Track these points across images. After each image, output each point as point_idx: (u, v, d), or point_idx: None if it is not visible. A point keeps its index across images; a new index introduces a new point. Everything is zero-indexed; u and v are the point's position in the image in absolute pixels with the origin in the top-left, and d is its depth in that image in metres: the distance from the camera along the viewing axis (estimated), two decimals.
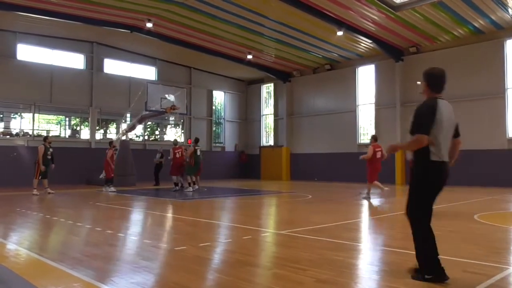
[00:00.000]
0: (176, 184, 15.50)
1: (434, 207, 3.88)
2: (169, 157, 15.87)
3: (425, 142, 3.58)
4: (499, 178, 16.88)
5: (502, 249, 5.31)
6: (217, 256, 4.96)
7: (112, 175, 15.72)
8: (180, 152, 15.59)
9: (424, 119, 3.67)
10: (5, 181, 17.47)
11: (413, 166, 3.80)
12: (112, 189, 15.11)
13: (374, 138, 11.72)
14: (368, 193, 11.63)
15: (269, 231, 6.72)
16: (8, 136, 19.17)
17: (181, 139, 25.30)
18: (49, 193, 13.44)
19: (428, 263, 3.62)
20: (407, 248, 5.08)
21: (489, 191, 14.75)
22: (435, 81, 3.91)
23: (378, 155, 11.41)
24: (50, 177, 14.07)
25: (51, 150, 13.87)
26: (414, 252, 3.77)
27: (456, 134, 3.97)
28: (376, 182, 11.48)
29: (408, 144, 3.74)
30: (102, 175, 15.92)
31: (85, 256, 4.67)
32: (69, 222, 7.51)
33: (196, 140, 15.63)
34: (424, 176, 3.70)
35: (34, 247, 5.29)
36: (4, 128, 19.80)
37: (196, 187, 15.06)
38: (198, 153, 15.09)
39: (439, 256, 3.65)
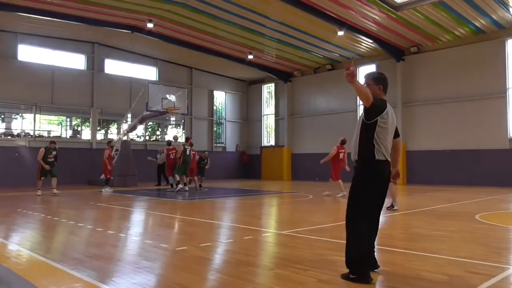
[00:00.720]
0: (171, 185, 15.62)
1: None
2: (158, 157, 16.09)
3: (370, 100, 3.69)
4: (501, 178, 16.86)
5: (503, 249, 5.31)
6: (218, 256, 4.96)
7: (109, 176, 15.45)
8: (173, 153, 15.75)
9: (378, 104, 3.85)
10: (7, 182, 17.52)
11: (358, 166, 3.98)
12: (107, 189, 14.96)
13: (342, 142, 12.94)
14: (342, 190, 12.46)
15: (270, 231, 6.72)
16: (9, 137, 19.20)
17: (182, 139, 25.32)
18: (54, 194, 13.25)
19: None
20: (408, 248, 5.08)
21: (490, 191, 14.73)
22: (386, 85, 4.08)
23: (341, 156, 12.64)
24: (50, 179, 13.99)
25: (54, 152, 13.58)
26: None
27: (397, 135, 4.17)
28: (339, 181, 12.55)
29: (360, 86, 3.65)
30: (103, 176, 15.94)
31: (86, 256, 4.68)
32: (70, 223, 7.51)
33: (186, 139, 15.62)
34: (368, 175, 3.88)
35: (35, 248, 5.29)
36: (5, 128, 19.85)
37: (186, 188, 14.76)
38: (187, 152, 14.82)
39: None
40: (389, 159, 3.90)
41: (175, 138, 16.66)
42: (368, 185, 3.86)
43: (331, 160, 12.69)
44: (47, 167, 13.22)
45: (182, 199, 12.43)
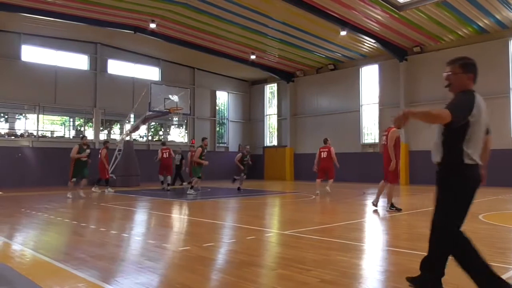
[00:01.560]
0: (162, 183, 15.69)
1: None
2: (156, 158, 16.11)
3: (446, 116, 3.02)
4: (504, 178, 16.78)
5: (507, 249, 5.29)
6: (221, 256, 4.96)
7: (107, 176, 15.31)
8: (167, 153, 15.89)
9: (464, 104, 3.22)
10: (10, 182, 17.58)
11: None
12: (110, 189, 14.90)
13: (324, 141, 13.89)
14: (330, 188, 13.40)
15: (273, 232, 6.72)
16: (13, 137, 19.26)
17: (184, 139, 25.36)
18: (80, 196, 12.41)
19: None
20: (412, 248, 5.07)
21: (494, 191, 14.67)
22: (477, 72, 3.52)
23: (323, 155, 13.49)
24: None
25: (88, 151, 12.60)
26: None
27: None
28: (318, 181, 13.54)
29: (422, 113, 3.09)
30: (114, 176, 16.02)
31: (89, 256, 4.69)
32: (73, 223, 7.53)
33: (202, 140, 15.09)
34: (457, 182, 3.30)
35: (39, 248, 5.31)
36: (9, 129, 19.92)
37: (199, 189, 14.50)
38: (204, 153, 14.57)
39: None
40: (480, 162, 3.31)
41: (164, 143, 16.97)
42: (458, 193, 3.29)
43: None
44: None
45: (185, 199, 12.44)
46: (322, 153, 13.54)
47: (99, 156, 15.12)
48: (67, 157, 12.82)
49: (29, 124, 20.05)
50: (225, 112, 27.47)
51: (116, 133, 23.61)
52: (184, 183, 16.92)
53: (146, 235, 6.51)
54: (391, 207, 8.89)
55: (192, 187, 13.78)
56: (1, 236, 6.14)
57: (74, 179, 12.45)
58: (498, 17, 16.06)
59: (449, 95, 3.73)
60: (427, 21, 16.68)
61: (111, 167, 18.97)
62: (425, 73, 19.55)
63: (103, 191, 14.99)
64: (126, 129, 20.43)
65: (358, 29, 17.66)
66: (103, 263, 4.42)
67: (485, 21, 16.46)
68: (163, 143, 16.79)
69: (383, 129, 12.30)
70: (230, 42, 20.53)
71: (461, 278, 3.76)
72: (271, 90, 27.51)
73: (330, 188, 13.53)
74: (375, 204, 9.28)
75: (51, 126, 21.49)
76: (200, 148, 13.88)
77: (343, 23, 17.06)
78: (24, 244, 5.59)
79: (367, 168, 21.02)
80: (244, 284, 3.63)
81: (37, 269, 4.26)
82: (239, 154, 16.00)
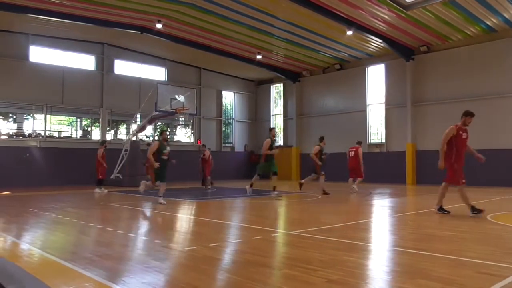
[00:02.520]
0: (153, 183, 15.68)
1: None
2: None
3: None
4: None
5: None
6: (228, 256, 4.96)
7: (101, 176, 14.81)
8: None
9: None
10: (18, 182, 17.72)
11: None
12: (97, 190, 14.40)
13: (357, 142, 14.70)
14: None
15: (279, 231, 6.71)
16: (21, 137, 19.42)
17: (190, 139, 25.42)
18: (160, 203, 10.31)
19: None
20: (419, 249, 5.04)
21: (502, 191, 14.55)
22: None
23: (351, 154, 14.32)
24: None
25: (168, 148, 10.55)
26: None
27: None
28: (350, 180, 14.28)
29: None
30: (114, 176, 16.02)
31: (96, 256, 4.71)
32: (80, 222, 7.57)
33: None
34: None
35: (46, 247, 5.34)
36: (17, 129, 20.09)
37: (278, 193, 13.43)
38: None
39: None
40: None
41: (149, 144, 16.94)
42: None
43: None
44: (156, 165, 10.13)
45: (191, 199, 12.45)
46: (350, 152, 14.40)
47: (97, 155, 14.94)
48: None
49: (37, 124, 20.20)
50: (231, 112, 27.49)
51: (122, 133, 23.71)
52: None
53: (152, 235, 6.53)
54: (473, 210, 7.81)
55: (275, 190, 12.67)
56: (10, 235, 6.19)
57: (158, 182, 10.60)
58: (506, 15, 15.92)
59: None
60: (434, 20, 16.58)
61: (118, 167, 19.08)
62: (432, 72, 19.42)
63: (111, 191, 15.02)
64: (133, 129, 20.52)
65: (364, 28, 17.59)
66: (110, 262, 4.44)
67: (493, 20, 16.32)
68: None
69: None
70: (236, 42, 20.54)
71: (466, 277, 3.74)
72: (277, 90, 27.49)
73: (356, 187, 13.86)
74: (442, 209, 8.12)
75: (59, 126, 21.64)
76: (268, 140, 12.49)
77: (350, 23, 17.00)
78: (32, 243, 5.63)
79: (374, 168, 20.93)
80: (250, 284, 3.62)
81: (45, 268, 4.28)
82: (317, 147, 13.69)
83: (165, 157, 10.46)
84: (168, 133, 13.70)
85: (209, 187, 16.45)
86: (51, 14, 17.06)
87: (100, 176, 14.94)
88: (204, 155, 16.72)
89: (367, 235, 6.44)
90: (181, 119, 24.74)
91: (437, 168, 8.16)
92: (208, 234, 6.50)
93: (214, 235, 6.33)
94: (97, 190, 14.57)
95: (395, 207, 10.41)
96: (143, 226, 7.58)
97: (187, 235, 6.64)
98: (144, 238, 6.09)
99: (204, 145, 18.04)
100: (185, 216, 8.93)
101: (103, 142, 15.94)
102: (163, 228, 7.30)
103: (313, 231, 6.33)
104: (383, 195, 13.54)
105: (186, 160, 23.80)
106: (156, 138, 24.12)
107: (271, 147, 12.40)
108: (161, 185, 10.57)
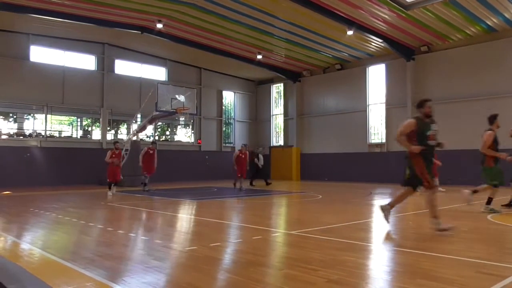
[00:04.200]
0: (144, 184, 15.71)
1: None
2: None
3: None
4: None
5: None
6: (228, 256, 4.96)
7: (109, 179, 13.81)
8: (154, 151, 15.84)
9: None
10: (19, 181, 17.73)
11: None
12: (110, 193, 13.48)
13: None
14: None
15: (279, 231, 6.71)
16: (21, 137, 19.43)
17: (191, 139, 25.42)
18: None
19: None
20: (419, 249, 5.04)
21: (503, 191, 14.51)
22: None
23: None
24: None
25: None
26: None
27: None
28: None
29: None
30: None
31: (97, 256, 4.71)
32: (81, 222, 7.58)
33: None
34: None
35: (47, 247, 5.35)
36: (17, 129, 20.11)
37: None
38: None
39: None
40: None
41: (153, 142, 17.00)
42: None
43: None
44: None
45: (191, 199, 12.46)
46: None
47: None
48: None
49: (37, 124, 20.21)
50: (232, 112, 27.49)
51: (123, 133, 23.71)
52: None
53: (153, 234, 6.53)
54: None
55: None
56: (10, 235, 6.20)
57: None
58: (506, 15, 15.91)
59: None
60: (435, 20, 16.57)
61: None
62: (433, 72, 19.42)
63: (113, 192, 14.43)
64: (133, 129, 20.52)
65: (365, 28, 17.59)
66: (111, 262, 4.44)
67: (494, 19, 16.32)
68: (154, 142, 16.60)
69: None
70: (237, 42, 20.54)
71: (466, 277, 3.74)
72: (277, 90, 27.48)
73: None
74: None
75: (59, 126, 21.65)
76: (491, 132, 8.85)
77: (350, 23, 16.99)
78: (32, 243, 5.64)
79: (374, 168, 20.95)
80: (251, 284, 3.63)
81: (46, 268, 4.29)
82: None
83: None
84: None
85: (243, 187, 16.51)
86: (52, 14, 17.06)
87: (111, 179, 13.77)
88: (243, 154, 16.65)
89: (367, 235, 6.45)
90: (182, 119, 24.72)
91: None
92: (209, 234, 6.50)
93: (215, 235, 6.33)
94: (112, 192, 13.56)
95: (395, 207, 10.38)
96: (143, 226, 7.59)
97: (187, 235, 6.64)
98: (144, 238, 6.09)
99: (245, 144, 17.75)
100: (185, 216, 8.94)
101: (115, 143, 14.70)
102: (163, 228, 7.30)
103: (314, 231, 6.34)
104: (383, 195, 13.54)
105: (186, 160, 23.87)
106: (156, 138, 24.12)
107: (496, 142, 8.58)
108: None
